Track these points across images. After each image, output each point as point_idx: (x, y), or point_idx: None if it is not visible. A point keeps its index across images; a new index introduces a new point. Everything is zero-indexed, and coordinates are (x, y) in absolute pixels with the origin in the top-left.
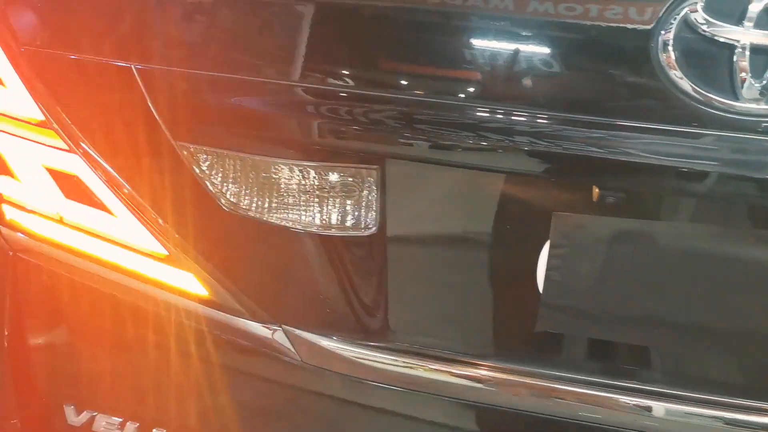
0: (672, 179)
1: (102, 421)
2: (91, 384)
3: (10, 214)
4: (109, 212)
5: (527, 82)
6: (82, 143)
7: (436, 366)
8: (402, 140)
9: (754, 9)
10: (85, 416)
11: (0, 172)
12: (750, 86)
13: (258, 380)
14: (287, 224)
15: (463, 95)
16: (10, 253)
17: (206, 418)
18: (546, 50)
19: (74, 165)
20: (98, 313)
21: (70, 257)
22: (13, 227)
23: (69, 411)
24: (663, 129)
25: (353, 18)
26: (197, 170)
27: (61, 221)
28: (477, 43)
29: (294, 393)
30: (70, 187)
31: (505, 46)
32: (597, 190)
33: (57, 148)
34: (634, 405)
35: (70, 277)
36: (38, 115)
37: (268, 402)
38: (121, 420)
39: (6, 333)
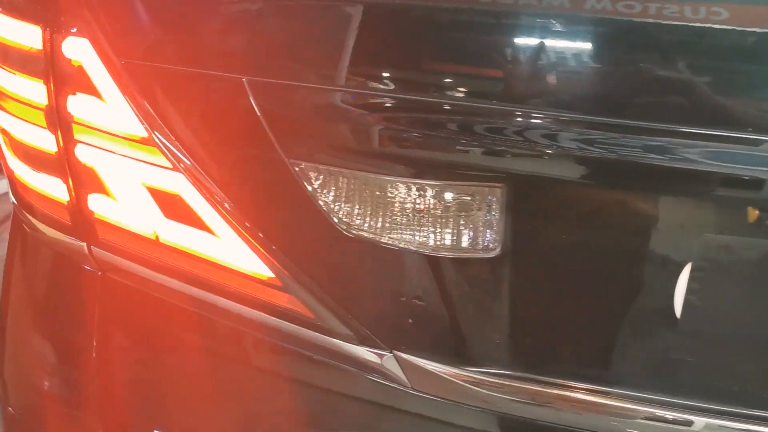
0: None
1: None
2: (181, 410)
3: (103, 233)
4: (212, 232)
5: (681, 97)
6: (186, 160)
7: (559, 394)
8: (530, 156)
9: None
10: None
11: (95, 190)
12: None
13: (364, 406)
14: (402, 245)
15: (609, 113)
16: (99, 273)
17: None
18: (700, 63)
19: (177, 183)
20: (192, 336)
21: (165, 278)
22: (104, 246)
23: None
24: None
25: (482, 30)
26: (309, 188)
27: (157, 241)
28: (632, 56)
29: (402, 420)
30: (171, 206)
31: (661, 59)
32: (749, 210)
33: (159, 166)
34: None
35: (163, 299)
36: (140, 131)
37: (375, 429)
38: None
39: (93, 356)
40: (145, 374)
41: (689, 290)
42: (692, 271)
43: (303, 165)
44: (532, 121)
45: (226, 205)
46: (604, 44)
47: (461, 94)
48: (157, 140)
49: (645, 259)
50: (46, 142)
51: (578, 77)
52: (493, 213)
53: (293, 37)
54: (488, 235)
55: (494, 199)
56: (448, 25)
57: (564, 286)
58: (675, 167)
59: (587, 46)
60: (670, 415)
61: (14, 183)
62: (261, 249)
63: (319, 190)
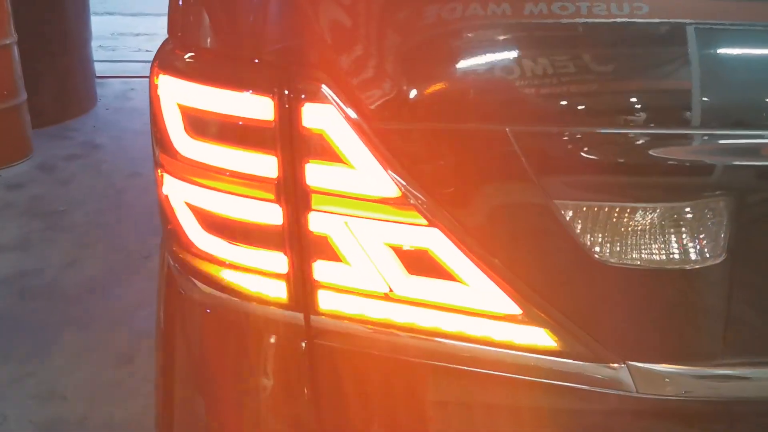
0: None
1: None
2: None
3: (325, 300)
4: (461, 281)
5: None
6: (443, 214)
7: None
8: (746, 172)
9: None
10: None
11: (324, 257)
12: None
13: (592, 415)
14: (640, 265)
15: None
16: (304, 342)
17: None
18: None
19: (429, 238)
20: (422, 386)
21: (398, 333)
22: (325, 314)
23: None
24: None
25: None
26: (568, 224)
27: (390, 298)
28: None
29: (627, 421)
30: (417, 261)
31: None
32: None
33: (411, 224)
34: None
35: (388, 356)
36: (392, 192)
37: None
38: None
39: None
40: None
41: None
42: None
43: (565, 203)
44: (748, 142)
45: (483, 253)
46: None
47: (691, 124)
48: (412, 198)
49: None
50: (269, 215)
51: None
52: (718, 223)
53: (552, 85)
54: (713, 245)
55: (718, 211)
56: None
57: None
58: None
59: None
60: None
61: (195, 264)
62: (512, 288)
63: (577, 225)
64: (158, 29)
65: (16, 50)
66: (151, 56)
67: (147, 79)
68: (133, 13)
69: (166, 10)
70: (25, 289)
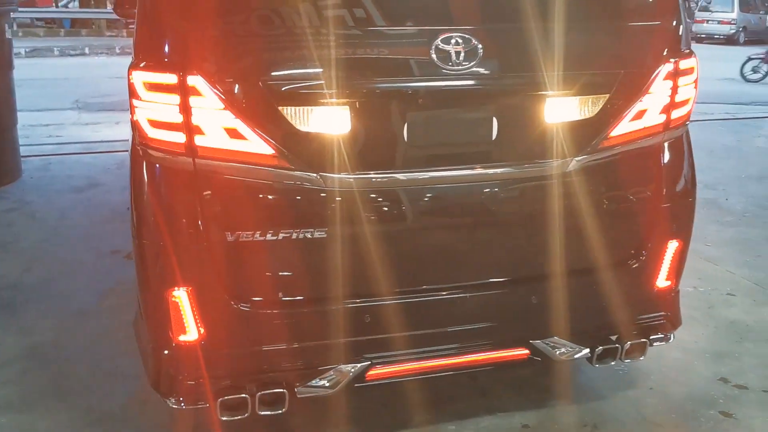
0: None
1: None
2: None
3: (201, 152)
4: (249, 140)
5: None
6: (240, 116)
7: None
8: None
9: None
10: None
11: (199, 134)
12: None
13: (308, 200)
14: (319, 132)
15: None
16: (195, 173)
17: (275, 222)
18: None
19: (231, 122)
20: (238, 183)
21: (230, 164)
22: (202, 157)
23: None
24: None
25: None
26: (287, 117)
27: (224, 150)
28: None
29: (320, 202)
30: (231, 132)
31: None
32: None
33: (231, 118)
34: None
35: (227, 175)
36: (220, 106)
37: (310, 208)
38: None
39: (200, 211)
40: (225, 208)
41: (408, 129)
42: (408, 124)
43: (283, 108)
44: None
45: (255, 126)
46: None
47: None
48: (231, 108)
49: (393, 120)
50: (177, 118)
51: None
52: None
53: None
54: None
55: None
56: None
57: (370, 129)
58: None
59: None
60: None
61: (148, 142)
62: (269, 142)
63: (288, 115)
64: (63, 120)
65: None
66: (61, 140)
67: (62, 157)
68: (39, 108)
69: (67, 105)
70: None
